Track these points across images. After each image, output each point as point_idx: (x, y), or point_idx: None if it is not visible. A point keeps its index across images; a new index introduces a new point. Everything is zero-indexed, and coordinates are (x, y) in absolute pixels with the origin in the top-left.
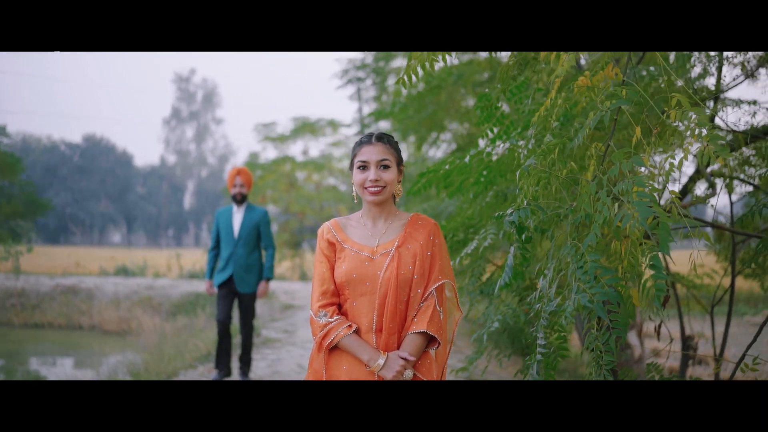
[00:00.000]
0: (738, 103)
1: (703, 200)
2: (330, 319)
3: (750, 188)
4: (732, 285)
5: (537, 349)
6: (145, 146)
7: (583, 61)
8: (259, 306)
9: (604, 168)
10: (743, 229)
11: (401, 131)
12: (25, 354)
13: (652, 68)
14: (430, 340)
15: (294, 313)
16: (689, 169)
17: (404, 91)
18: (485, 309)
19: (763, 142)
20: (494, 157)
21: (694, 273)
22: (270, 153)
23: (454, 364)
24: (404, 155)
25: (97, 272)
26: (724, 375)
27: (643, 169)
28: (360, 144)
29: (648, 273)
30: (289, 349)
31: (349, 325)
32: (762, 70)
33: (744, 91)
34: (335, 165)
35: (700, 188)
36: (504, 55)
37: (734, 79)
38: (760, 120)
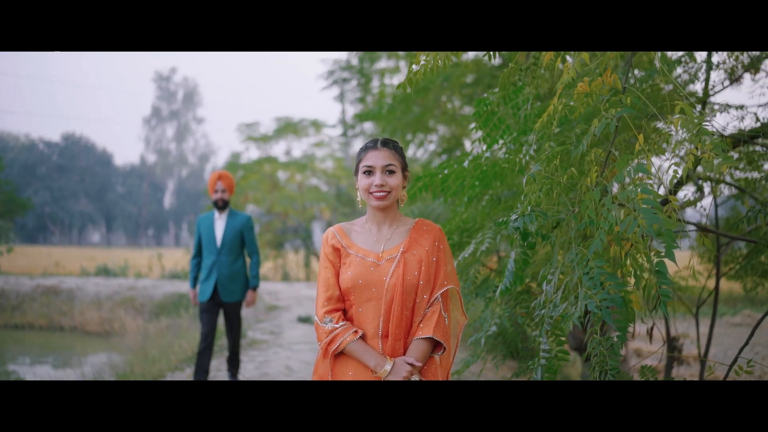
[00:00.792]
0: (726, 107)
1: (693, 203)
2: (335, 325)
3: (731, 191)
4: (716, 287)
5: (540, 354)
6: (125, 145)
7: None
8: (243, 308)
9: (607, 175)
10: (728, 231)
11: (389, 132)
12: (5, 356)
13: (637, 71)
14: (435, 345)
15: (279, 314)
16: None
17: (389, 93)
18: (481, 312)
19: (750, 146)
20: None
21: (679, 275)
22: (253, 153)
23: None
24: None
25: (78, 272)
26: (710, 375)
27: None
28: (365, 149)
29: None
30: (276, 351)
31: (355, 331)
32: (747, 75)
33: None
34: (318, 165)
35: (688, 191)
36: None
37: (722, 84)
38: (747, 124)
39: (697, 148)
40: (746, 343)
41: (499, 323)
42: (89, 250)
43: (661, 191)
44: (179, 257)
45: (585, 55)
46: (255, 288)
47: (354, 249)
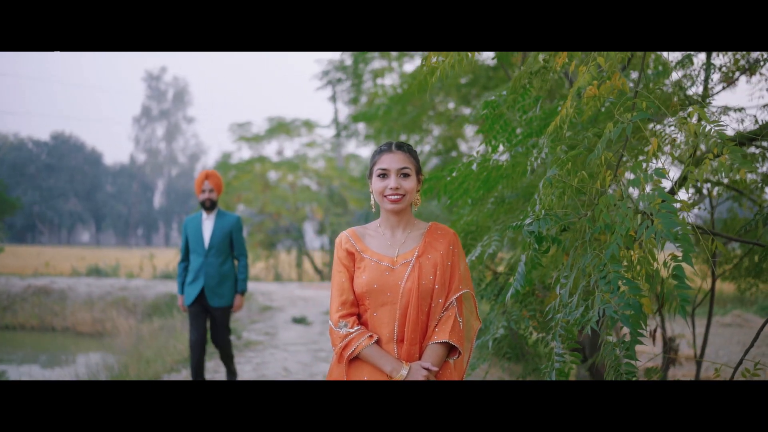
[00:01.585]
0: (725, 110)
1: (692, 206)
2: (350, 330)
3: (728, 193)
4: (712, 287)
5: (554, 357)
6: (115, 144)
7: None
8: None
9: (618, 178)
10: (726, 233)
11: (386, 132)
12: None
13: (635, 73)
14: (450, 349)
15: (273, 314)
16: (675, 174)
17: (381, 93)
18: (487, 314)
19: (747, 147)
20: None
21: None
22: (245, 153)
23: None
24: None
25: (68, 272)
26: (705, 375)
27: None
28: (380, 152)
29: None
30: (272, 352)
31: (370, 336)
32: (743, 77)
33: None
34: (310, 165)
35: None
36: (486, 56)
37: (719, 86)
38: (746, 126)
39: (713, 153)
40: (751, 345)
41: (506, 326)
42: (79, 249)
43: None
44: (171, 257)
45: (601, 59)
46: (243, 292)
47: (368, 253)
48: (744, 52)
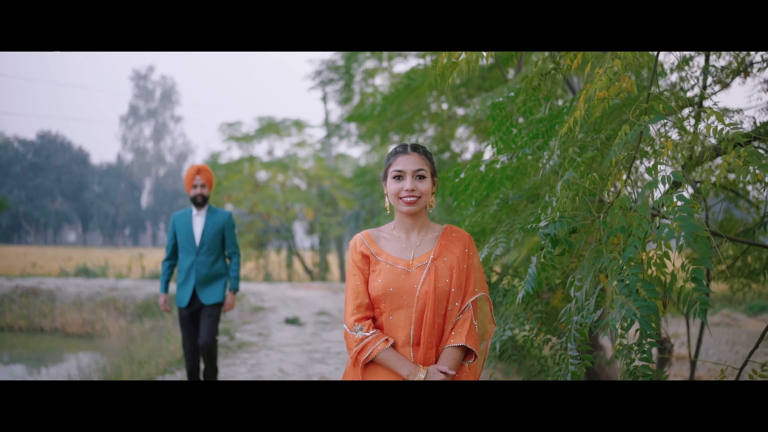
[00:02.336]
0: (724, 111)
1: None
2: (366, 334)
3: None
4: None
5: (569, 360)
6: (102, 144)
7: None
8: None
9: (631, 180)
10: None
11: (381, 133)
12: None
13: (633, 75)
14: (466, 353)
15: (265, 315)
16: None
17: (371, 92)
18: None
19: (748, 147)
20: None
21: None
22: (234, 153)
23: None
24: (376, 158)
25: (56, 273)
26: (698, 375)
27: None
28: (395, 154)
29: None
30: (267, 353)
31: (386, 339)
32: (737, 79)
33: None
34: (300, 165)
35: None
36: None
37: (722, 86)
38: (745, 128)
39: (730, 153)
40: (756, 346)
41: (513, 327)
42: (66, 249)
43: (656, 194)
44: (159, 257)
45: (618, 62)
46: (235, 291)
47: (383, 256)
48: (737, 54)
